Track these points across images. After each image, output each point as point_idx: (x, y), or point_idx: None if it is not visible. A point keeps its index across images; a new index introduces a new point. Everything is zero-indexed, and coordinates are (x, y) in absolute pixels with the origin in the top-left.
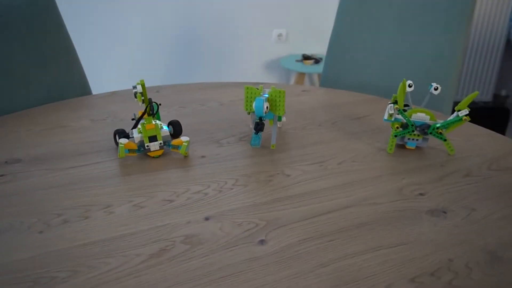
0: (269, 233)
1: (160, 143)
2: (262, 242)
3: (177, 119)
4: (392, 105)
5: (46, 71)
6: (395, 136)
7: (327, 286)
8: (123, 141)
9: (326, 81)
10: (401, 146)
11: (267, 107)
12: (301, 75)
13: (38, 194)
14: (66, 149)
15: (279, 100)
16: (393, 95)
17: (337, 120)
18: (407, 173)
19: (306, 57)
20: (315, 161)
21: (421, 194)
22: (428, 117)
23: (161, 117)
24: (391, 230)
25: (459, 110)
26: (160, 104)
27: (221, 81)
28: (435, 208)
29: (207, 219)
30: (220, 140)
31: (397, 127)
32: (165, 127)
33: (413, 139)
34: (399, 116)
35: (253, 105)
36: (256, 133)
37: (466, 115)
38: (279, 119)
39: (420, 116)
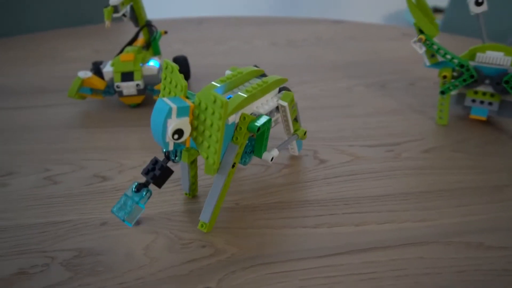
0: (228, 276)
1: (137, 85)
2: None
3: (184, 55)
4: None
5: None
6: (442, 92)
7: None
8: (82, 74)
9: (449, 25)
10: (460, 118)
11: (175, 133)
12: None
13: None
14: (36, 82)
15: (213, 117)
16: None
17: None
18: None
19: (437, 10)
20: (383, 142)
21: None
22: (510, 59)
23: (164, 53)
24: None
25: None
26: (166, 32)
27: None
28: None
29: (137, 223)
30: None
31: (445, 77)
32: (153, 62)
33: (482, 102)
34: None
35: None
36: (137, 190)
37: None
38: (245, 156)
39: (492, 57)
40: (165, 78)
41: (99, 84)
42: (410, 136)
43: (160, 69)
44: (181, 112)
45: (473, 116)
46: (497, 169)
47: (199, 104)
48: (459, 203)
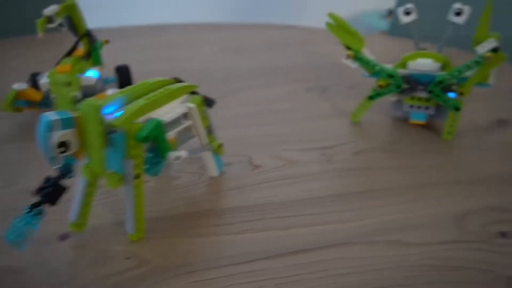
0: (150, 287)
1: (76, 96)
2: None
3: (126, 64)
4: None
5: None
6: (371, 98)
7: None
8: (17, 86)
9: (396, 29)
10: (400, 121)
11: (60, 146)
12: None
13: None
14: None
15: (92, 124)
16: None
17: None
18: (481, 183)
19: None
20: (318, 145)
21: (503, 235)
22: (438, 65)
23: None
24: None
25: (478, 43)
26: (107, 42)
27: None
28: None
29: (64, 238)
30: None
31: (381, 86)
32: (92, 72)
33: (419, 107)
34: (389, 67)
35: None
36: (30, 210)
37: (492, 50)
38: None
39: (421, 64)
40: (57, 92)
41: (35, 96)
42: (344, 138)
43: (99, 79)
44: (65, 123)
45: (412, 121)
46: (425, 167)
47: (82, 113)
48: (384, 202)
